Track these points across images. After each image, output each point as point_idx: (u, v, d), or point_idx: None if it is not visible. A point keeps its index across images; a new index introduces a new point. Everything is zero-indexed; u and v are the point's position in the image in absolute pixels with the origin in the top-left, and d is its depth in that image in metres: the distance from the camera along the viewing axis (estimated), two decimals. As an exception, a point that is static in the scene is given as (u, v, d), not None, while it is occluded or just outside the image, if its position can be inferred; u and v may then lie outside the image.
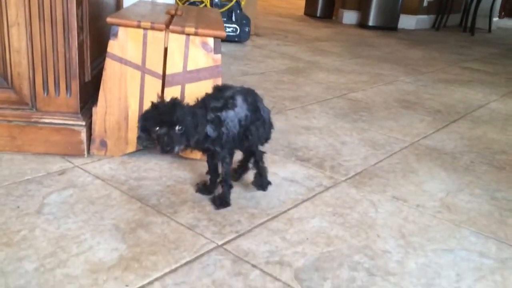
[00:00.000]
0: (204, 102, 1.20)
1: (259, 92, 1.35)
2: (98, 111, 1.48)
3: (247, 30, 3.92)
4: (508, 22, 8.35)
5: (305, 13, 6.65)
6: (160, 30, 1.44)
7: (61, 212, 1.18)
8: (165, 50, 1.47)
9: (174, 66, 1.48)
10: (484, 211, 1.41)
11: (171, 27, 1.45)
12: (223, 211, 1.26)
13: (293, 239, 1.16)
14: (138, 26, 1.43)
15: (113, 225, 1.15)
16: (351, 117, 2.19)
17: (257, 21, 4.75)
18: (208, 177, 1.34)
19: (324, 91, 2.64)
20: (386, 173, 1.60)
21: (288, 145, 1.78)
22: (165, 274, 0.99)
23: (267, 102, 2.24)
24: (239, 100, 1.23)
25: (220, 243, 1.12)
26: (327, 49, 4.05)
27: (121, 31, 1.43)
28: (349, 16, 6.09)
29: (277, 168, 1.56)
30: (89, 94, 1.56)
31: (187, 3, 3.69)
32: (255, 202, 1.32)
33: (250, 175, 1.39)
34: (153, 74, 1.48)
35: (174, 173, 1.45)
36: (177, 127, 1.09)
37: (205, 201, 1.30)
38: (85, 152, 1.49)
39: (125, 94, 1.48)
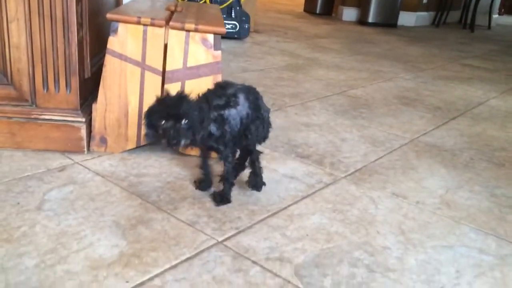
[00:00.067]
0: (207, 99, 1.19)
1: (259, 89, 1.35)
2: (98, 108, 1.48)
3: (246, 26, 3.91)
4: (508, 19, 8.35)
5: (305, 10, 6.65)
6: (160, 26, 1.44)
7: (61, 209, 1.18)
8: (165, 46, 1.47)
9: (174, 63, 1.48)
10: (483, 208, 1.41)
11: (171, 23, 1.45)
12: (223, 207, 1.26)
13: (293, 236, 1.16)
14: (138, 22, 1.43)
15: (114, 221, 1.15)
16: (351, 114, 2.19)
17: (257, 17, 4.74)
18: (202, 172, 1.34)
19: (324, 88, 2.64)
20: (386, 170, 1.61)
21: (288, 142, 1.78)
22: (166, 270, 0.99)
23: (267, 99, 2.24)
24: (241, 98, 1.23)
25: (220, 239, 1.12)
26: (327, 46, 4.05)
27: (121, 27, 1.43)
28: (349, 13, 6.09)
29: (277, 165, 1.56)
30: (89, 90, 1.56)
31: (187, -1, 3.68)
32: (255, 199, 1.32)
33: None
34: (153, 70, 1.47)
35: (174, 170, 1.45)
36: (183, 121, 1.08)
37: (205, 197, 1.30)
38: (85, 149, 1.49)
39: (125, 90, 1.48)
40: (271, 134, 1.35)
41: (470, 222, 1.32)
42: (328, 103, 2.34)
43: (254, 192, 1.35)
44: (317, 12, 6.40)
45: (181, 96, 1.10)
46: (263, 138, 1.31)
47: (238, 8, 3.86)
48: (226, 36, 3.79)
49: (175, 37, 1.46)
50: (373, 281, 1.03)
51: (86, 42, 1.48)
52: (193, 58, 1.48)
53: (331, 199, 1.37)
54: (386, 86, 2.81)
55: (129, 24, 1.43)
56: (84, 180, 1.33)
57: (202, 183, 1.34)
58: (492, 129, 2.18)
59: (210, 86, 1.30)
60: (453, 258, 1.14)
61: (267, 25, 4.94)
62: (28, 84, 1.41)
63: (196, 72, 1.49)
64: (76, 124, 1.45)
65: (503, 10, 8.48)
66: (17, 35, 1.36)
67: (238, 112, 1.22)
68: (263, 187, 1.35)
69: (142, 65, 1.46)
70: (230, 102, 1.21)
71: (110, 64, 1.45)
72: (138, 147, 1.54)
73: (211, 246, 1.09)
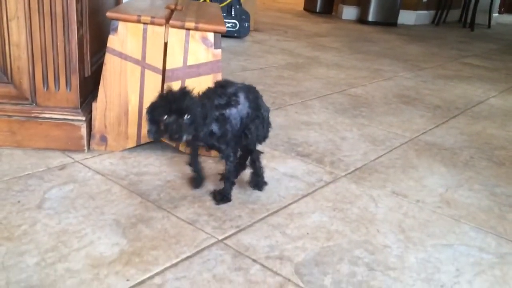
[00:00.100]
0: (209, 97, 1.19)
1: (259, 88, 1.35)
2: (98, 106, 1.48)
3: (246, 25, 3.91)
4: (508, 17, 8.35)
5: (305, 9, 6.64)
6: (160, 24, 1.44)
7: (61, 207, 1.18)
8: (165, 45, 1.47)
9: (174, 61, 1.48)
10: (483, 206, 1.41)
11: (171, 21, 1.44)
12: (223, 206, 1.26)
13: (293, 234, 1.17)
14: (138, 21, 1.42)
15: (114, 220, 1.15)
16: (351, 113, 2.19)
17: (257, 16, 4.74)
18: (191, 169, 1.33)
19: (324, 86, 2.64)
20: (386, 169, 1.61)
21: (288, 140, 1.78)
22: (166, 269, 0.99)
23: (267, 97, 2.24)
24: (241, 97, 1.23)
25: (220, 238, 1.12)
26: (327, 45, 4.05)
27: (121, 25, 1.43)
28: (349, 12, 6.08)
29: (277, 163, 1.56)
30: (89, 89, 1.56)
31: (187, -2, 3.68)
32: (255, 198, 1.32)
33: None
34: (153, 69, 1.47)
35: (174, 168, 1.45)
36: (186, 116, 1.08)
37: (205, 196, 1.30)
38: (85, 147, 1.49)
39: (125, 89, 1.48)
40: (271, 133, 1.35)
41: (470, 221, 1.32)
42: (328, 101, 2.34)
43: (254, 190, 1.35)
44: (317, 10, 6.39)
45: (184, 92, 1.10)
46: (263, 137, 1.31)
47: (238, 6, 3.86)
48: (226, 35, 3.78)
49: (175, 36, 1.46)
50: (373, 280, 1.03)
51: (86, 41, 1.48)
52: (193, 57, 1.48)
53: (331, 198, 1.37)
54: (386, 85, 2.81)
55: (129, 22, 1.43)
56: (85, 179, 1.33)
57: (194, 181, 1.34)
58: (492, 128, 2.18)
59: (210, 84, 1.30)
60: (453, 256, 1.15)
61: (267, 23, 4.94)
62: (28, 83, 1.41)
63: (196, 70, 1.49)
64: (76, 123, 1.45)
65: (503, 8, 8.47)
66: (17, 33, 1.36)
67: (238, 111, 1.22)
68: (265, 186, 1.35)
69: (142, 63, 1.46)
70: (231, 102, 1.21)
71: (110, 62, 1.45)
72: (139, 145, 1.54)
73: (212, 245, 1.09)
